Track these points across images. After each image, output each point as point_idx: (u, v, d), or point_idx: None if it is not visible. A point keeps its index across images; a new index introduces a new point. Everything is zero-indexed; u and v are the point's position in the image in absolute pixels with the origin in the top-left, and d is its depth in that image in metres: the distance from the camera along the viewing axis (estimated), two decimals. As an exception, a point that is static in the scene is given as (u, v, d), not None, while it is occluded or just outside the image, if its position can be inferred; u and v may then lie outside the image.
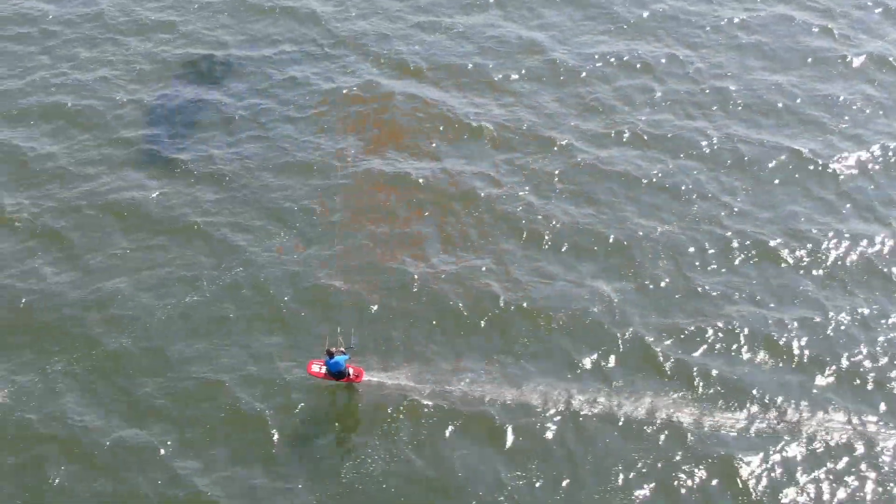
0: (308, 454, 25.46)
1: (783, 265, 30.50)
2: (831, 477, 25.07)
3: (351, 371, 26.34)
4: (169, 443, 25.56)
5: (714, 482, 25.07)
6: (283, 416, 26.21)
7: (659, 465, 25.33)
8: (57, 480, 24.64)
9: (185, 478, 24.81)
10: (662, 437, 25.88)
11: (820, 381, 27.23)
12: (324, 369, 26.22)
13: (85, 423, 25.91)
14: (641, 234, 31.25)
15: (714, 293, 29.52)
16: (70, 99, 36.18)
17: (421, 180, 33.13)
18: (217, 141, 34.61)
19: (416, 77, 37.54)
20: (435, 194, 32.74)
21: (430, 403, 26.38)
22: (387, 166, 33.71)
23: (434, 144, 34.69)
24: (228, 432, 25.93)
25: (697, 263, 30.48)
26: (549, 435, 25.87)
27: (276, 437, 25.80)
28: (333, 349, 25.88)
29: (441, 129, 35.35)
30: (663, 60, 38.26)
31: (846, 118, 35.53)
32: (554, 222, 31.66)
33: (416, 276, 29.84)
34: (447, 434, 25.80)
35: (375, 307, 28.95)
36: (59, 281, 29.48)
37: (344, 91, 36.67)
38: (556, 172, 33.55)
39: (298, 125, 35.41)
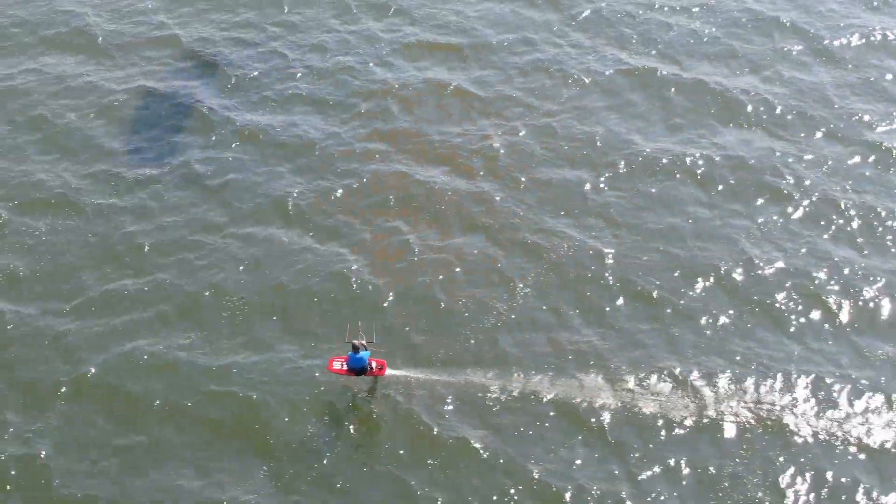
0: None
1: None
2: None
3: (374, 364, 24.71)
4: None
5: None
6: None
7: None
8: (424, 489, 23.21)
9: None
10: None
11: None
12: (345, 365, 24.55)
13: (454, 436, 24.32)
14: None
15: None
16: (315, 88, 34.56)
17: (701, 169, 31.30)
18: (485, 131, 32.89)
19: (670, 61, 35.70)
20: (723, 182, 30.96)
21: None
22: (662, 154, 31.87)
23: (709, 131, 32.84)
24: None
25: None
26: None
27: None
28: (357, 342, 24.22)
29: (712, 113, 33.58)
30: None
31: None
32: (868, 217, 29.75)
33: (736, 276, 28.06)
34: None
35: (696, 308, 27.21)
36: (364, 283, 27.80)
37: (607, 76, 34.83)
38: (851, 162, 31.67)
39: (562, 116, 33.61)
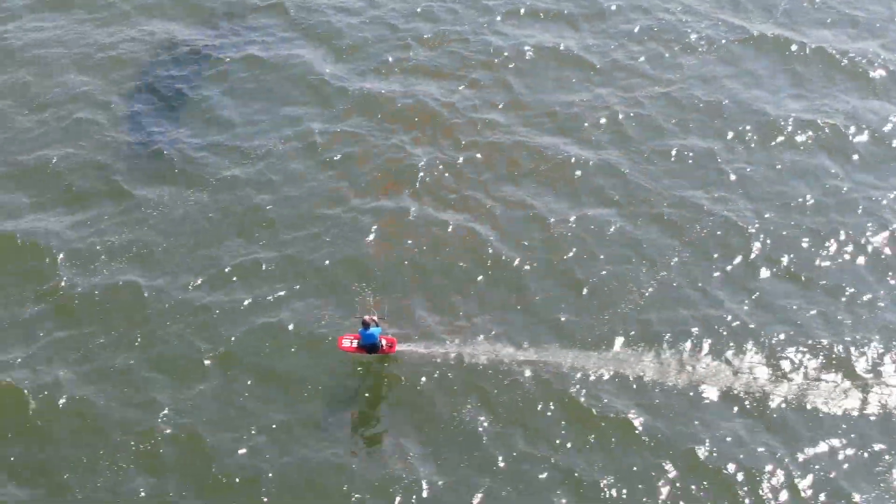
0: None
1: None
2: None
3: (384, 342, 23.98)
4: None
5: None
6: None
7: None
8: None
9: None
10: None
11: None
12: (356, 343, 23.85)
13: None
14: None
15: None
16: (426, 57, 33.71)
17: (833, 139, 30.51)
18: (605, 101, 31.98)
19: (787, 28, 34.82)
20: (857, 153, 30.17)
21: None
22: (791, 124, 30.95)
23: (836, 101, 31.98)
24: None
25: None
26: None
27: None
28: (367, 318, 23.51)
29: (837, 82, 32.86)
30: None
31: None
32: None
33: (882, 249, 27.27)
34: None
35: (845, 284, 26.46)
36: (499, 259, 27.12)
37: (724, 44, 33.89)
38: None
39: (683, 86, 32.68)
